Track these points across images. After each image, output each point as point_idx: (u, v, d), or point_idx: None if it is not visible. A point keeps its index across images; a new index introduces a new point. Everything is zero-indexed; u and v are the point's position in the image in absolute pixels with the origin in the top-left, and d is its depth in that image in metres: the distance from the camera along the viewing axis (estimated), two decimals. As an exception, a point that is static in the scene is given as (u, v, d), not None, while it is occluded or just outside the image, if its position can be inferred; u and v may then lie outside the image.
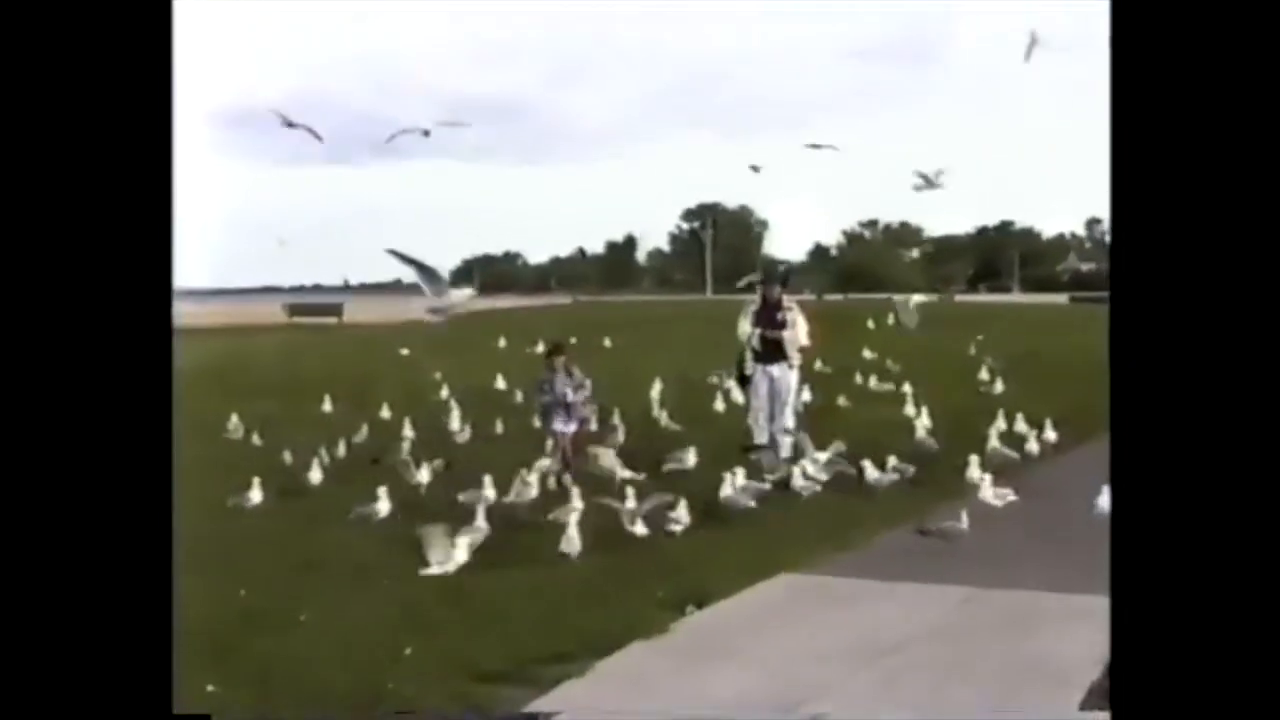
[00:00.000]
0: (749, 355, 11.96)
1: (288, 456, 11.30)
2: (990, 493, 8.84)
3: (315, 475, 10.35)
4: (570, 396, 10.72)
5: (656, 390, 16.25)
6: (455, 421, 13.91)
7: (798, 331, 11.97)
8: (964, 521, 7.93)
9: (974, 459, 9.70)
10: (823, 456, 9.93)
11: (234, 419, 13.86)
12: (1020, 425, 12.10)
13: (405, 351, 25.28)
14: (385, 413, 14.45)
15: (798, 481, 9.47)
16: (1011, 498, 8.87)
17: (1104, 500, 7.87)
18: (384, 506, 8.81)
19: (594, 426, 11.50)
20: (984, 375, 17.94)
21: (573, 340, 17.97)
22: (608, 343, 26.38)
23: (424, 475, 10.00)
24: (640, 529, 8.09)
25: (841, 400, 15.64)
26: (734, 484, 8.97)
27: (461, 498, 8.99)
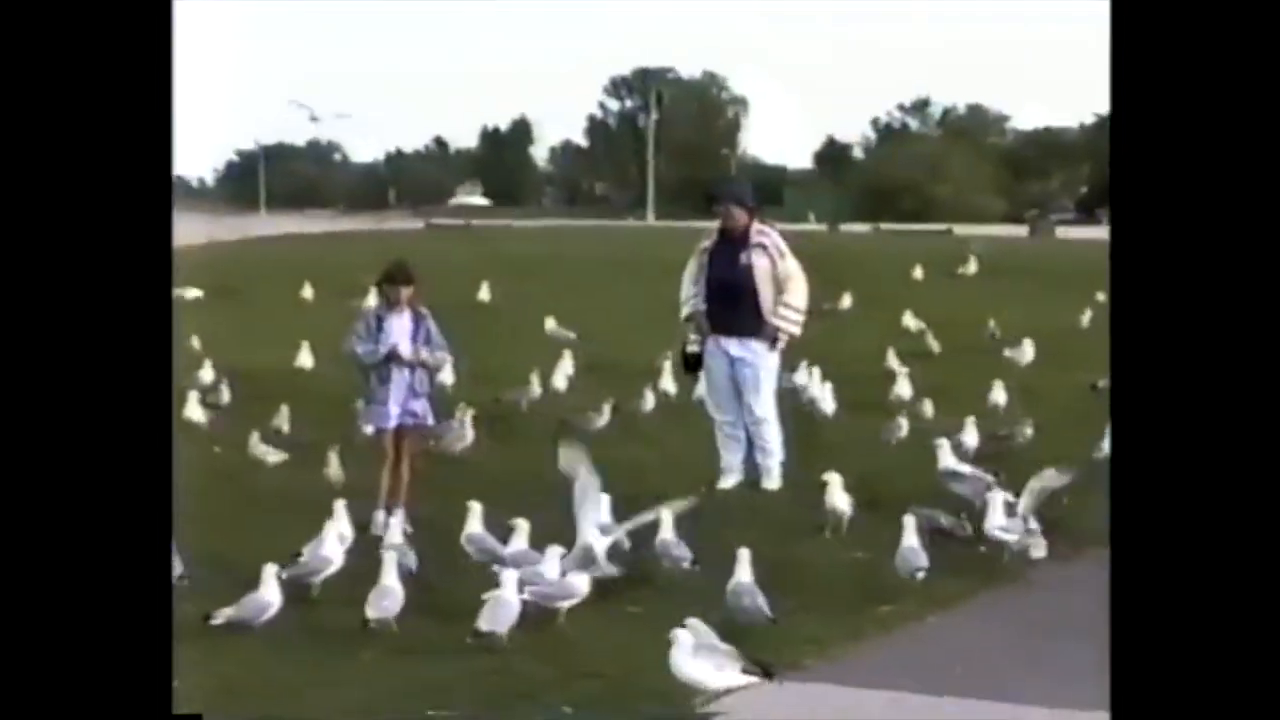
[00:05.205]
0: (694, 324, 12.01)
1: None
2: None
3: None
4: (408, 354, 10.33)
5: (565, 374, 16.55)
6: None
7: (782, 282, 11.74)
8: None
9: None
10: None
11: None
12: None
13: (195, 294, 25.16)
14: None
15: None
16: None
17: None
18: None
19: (431, 420, 11.14)
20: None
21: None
22: (484, 295, 26.59)
23: None
24: None
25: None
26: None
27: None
